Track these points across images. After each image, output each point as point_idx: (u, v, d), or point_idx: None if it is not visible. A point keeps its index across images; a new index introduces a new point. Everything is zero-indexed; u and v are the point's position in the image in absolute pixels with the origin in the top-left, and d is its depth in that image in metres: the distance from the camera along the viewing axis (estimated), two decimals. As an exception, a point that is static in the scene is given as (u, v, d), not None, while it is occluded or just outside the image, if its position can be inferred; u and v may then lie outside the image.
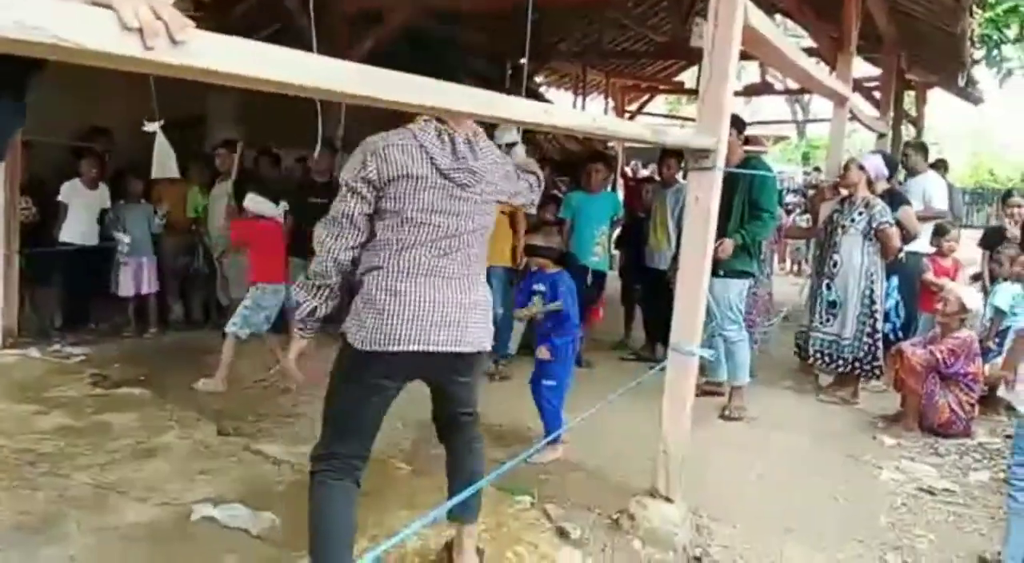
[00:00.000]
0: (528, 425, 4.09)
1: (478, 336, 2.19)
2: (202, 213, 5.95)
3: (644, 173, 10.90)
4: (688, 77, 13.13)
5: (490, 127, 2.58)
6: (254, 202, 4.66)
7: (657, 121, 14.02)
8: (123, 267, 5.73)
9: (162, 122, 4.75)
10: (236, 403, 4.29)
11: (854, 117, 5.71)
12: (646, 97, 13.61)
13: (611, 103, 12.27)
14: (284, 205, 4.91)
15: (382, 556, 2.38)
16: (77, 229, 5.61)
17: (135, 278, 5.76)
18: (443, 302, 2.10)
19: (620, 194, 7.98)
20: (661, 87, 13.22)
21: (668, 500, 2.92)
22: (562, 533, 2.86)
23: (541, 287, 3.74)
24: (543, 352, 3.72)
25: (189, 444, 3.60)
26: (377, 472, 3.25)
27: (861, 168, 4.79)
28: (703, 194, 2.63)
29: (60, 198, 5.56)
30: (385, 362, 2.06)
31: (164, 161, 4.87)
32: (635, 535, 2.88)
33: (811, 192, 10.31)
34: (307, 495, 2.50)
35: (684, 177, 7.74)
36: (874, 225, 4.71)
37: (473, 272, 2.21)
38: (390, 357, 2.04)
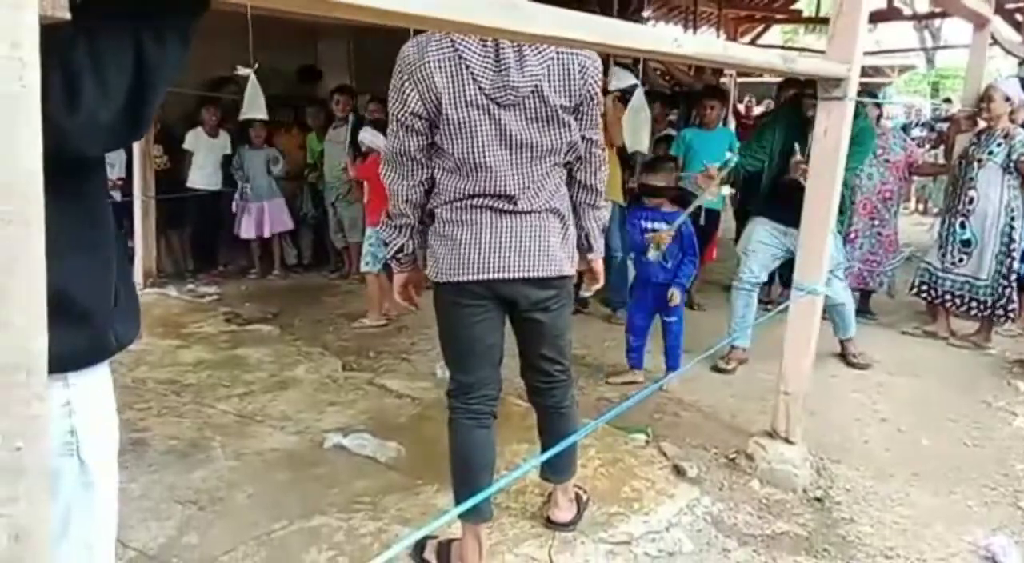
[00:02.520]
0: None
1: (555, 260, 2.05)
2: (318, 158, 6.12)
3: (758, 109, 10.45)
4: (805, 4, 12.38)
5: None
6: (370, 135, 4.77)
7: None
8: (245, 210, 5.99)
9: (256, 66, 4.88)
10: (357, 340, 4.47)
11: (995, 41, 5.26)
12: (760, 28, 12.94)
13: (723, 35, 11.74)
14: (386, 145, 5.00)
15: (505, 487, 2.47)
16: (202, 175, 5.91)
17: (257, 221, 6.02)
18: (512, 230, 2.00)
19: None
20: (778, 17, 12.51)
21: (788, 441, 2.87)
22: (679, 471, 2.87)
23: (657, 225, 3.66)
24: (675, 297, 3.66)
25: (317, 378, 3.80)
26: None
27: (1007, 99, 4.41)
28: (833, 126, 2.50)
29: (185, 146, 5.86)
30: (463, 290, 2.03)
31: (253, 102, 5.03)
32: (753, 475, 2.86)
33: (943, 125, 9.64)
34: (430, 427, 2.61)
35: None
36: (1015, 157, 4.36)
37: (544, 201, 2.04)
38: (466, 285, 2.01)
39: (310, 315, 4.90)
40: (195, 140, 5.89)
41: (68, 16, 0.70)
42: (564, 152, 2.05)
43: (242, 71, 4.85)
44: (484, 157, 1.95)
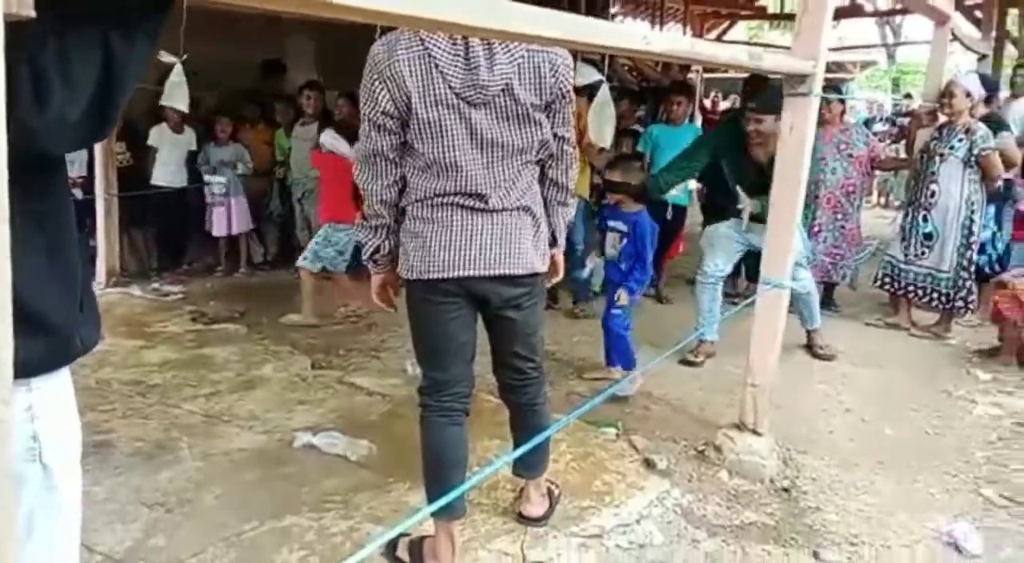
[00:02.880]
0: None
1: (527, 258, 2.05)
2: (286, 155, 6.06)
3: (724, 105, 10.56)
4: (770, 1, 12.51)
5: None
6: (331, 138, 4.73)
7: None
8: (216, 208, 5.91)
9: (184, 56, 4.80)
10: (326, 338, 4.44)
11: (955, 38, 5.37)
12: (726, 24, 13.08)
13: (689, 31, 11.84)
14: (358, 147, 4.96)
15: (478, 484, 2.47)
16: (166, 172, 5.82)
17: (227, 218, 5.94)
18: (484, 228, 2.00)
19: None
20: (743, 13, 12.64)
21: (755, 433, 2.92)
22: (649, 463, 2.90)
23: (621, 226, 3.67)
24: (622, 297, 3.66)
25: (286, 376, 3.76)
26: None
27: (968, 94, 4.51)
28: (798, 122, 2.53)
29: (150, 142, 5.77)
30: (433, 287, 2.02)
31: (174, 91, 4.96)
32: (722, 466, 2.90)
33: (904, 120, 9.82)
34: (401, 424, 2.60)
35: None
36: (975, 151, 4.47)
37: (516, 199, 2.03)
38: (438, 282, 2.01)
39: (277, 313, 4.85)
40: (159, 136, 5.80)
41: (33, 14, 0.68)
42: (536, 150, 2.05)
43: (166, 58, 4.74)
44: (455, 156, 1.94)
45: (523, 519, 2.42)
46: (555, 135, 2.07)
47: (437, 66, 1.88)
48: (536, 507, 2.42)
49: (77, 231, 1.13)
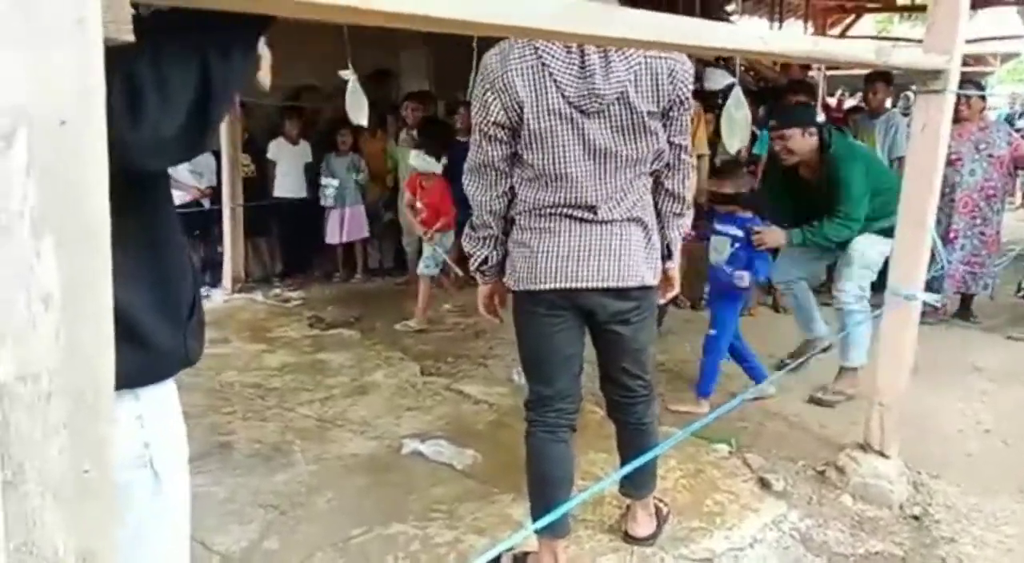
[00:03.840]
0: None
1: (636, 270, 1.98)
2: (396, 163, 6.19)
3: (851, 103, 10.04)
4: (901, -8, 11.84)
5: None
6: (418, 159, 4.83)
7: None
8: (330, 215, 6.11)
9: (354, 74, 4.96)
10: (435, 345, 4.49)
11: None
12: (851, 18, 12.45)
13: (811, 28, 11.35)
14: (444, 160, 5.03)
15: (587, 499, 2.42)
16: (286, 183, 6.08)
17: (340, 226, 6.14)
18: (592, 239, 1.94)
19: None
20: (869, 5, 12.02)
21: (883, 455, 2.72)
22: (764, 483, 2.76)
23: (732, 230, 3.47)
24: (744, 279, 3.38)
25: (396, 383, 3.83)
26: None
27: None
28: (931, 120, 2.35)
29: (269, 155, 6.04)
30: (539, 298, 1.99)
31: (357, 108, 5.09)
32: (844, 489, 2.73)
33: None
34: (507, 434, 2.58)
35: (893, 105, 7.06)
36: None
37: (626, 210, 1.96)
38: (544, 294, 1.97)
39: (390, 319, 4.96)
40: (277, 150, 6.06)
41: (132, 39, 0.70)
42: (650, 161, 1.98)
43: (345, 74, 4.93)
44: (565, 167, 1.90)
45: (629, 538, 2.35)
46: (672, 143, 2.00)
47: (551, 75, 1.84)
48: (643, 527, 2.35)
49: (184, 243, 1.16)
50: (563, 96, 1.85)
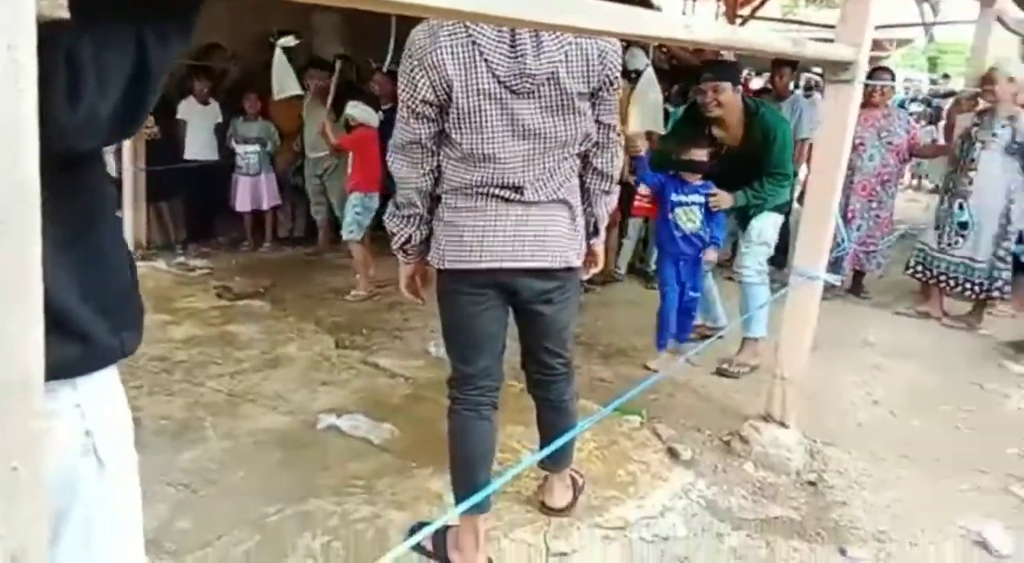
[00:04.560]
0: (634, 345, 4.09)
1: (561, 251, 2.00)
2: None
3: (757, 83, 10.36)
4: (805, -23, 12.22)
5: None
6: (359, 109, 4.73)
7: (771, 26, 13.18)
8: (239, 181, 5.91)
9: (293, 41, 4.77)
10: (349, 317, 4.44)
11: (999, 20, 5.21)
12: (759, 0, 12.79)
13: (721, 8, 11.60)
14: (380, 114, 4.96)
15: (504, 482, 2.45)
16: (196, 145, 5.83)
17: (252, 194, 5.95)
18: (517, 220, 1.95)
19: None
20: (775, -12, 12.35)
21: (782, 425, 2.88)
22: (673, 453, 2.87)
23: (698, 198, 3.62)
24: (710, 255, 3.67)
25: (309, 355, 3.77)
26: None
27: (1011, 79, 4.37)
28: (840, 109, 2.46)
29: (179, 116, 5.77)
30: (464, 278, 2.00)
31: (283, 80, 4.92)
32: (747, 458, 2.87)
33: (941, 101, 9.57)
34: (424, 407, 2.58)
35: (795, 87, 7.31)
36: (1020, 139, 4.34)
37: (552, 191, 1.97)
38: (468, 273, 1.98)
39: (301, 290, 4.87)
40: (188, 110, 5.80)
41: (67, 15, 0.66)
42: (579, 142, 1.99)
43: (284, 41, 4.74)
44: (493, 148, 1.90)
45: (546, 509, 2.41)
46: (601, 123, 2.02)
47: (482, 54, 1.82)
48: (560, 497, 2.41)
49: (120, 227, 1.11)
50: (493, 75, 1.83)
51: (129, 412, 1.17)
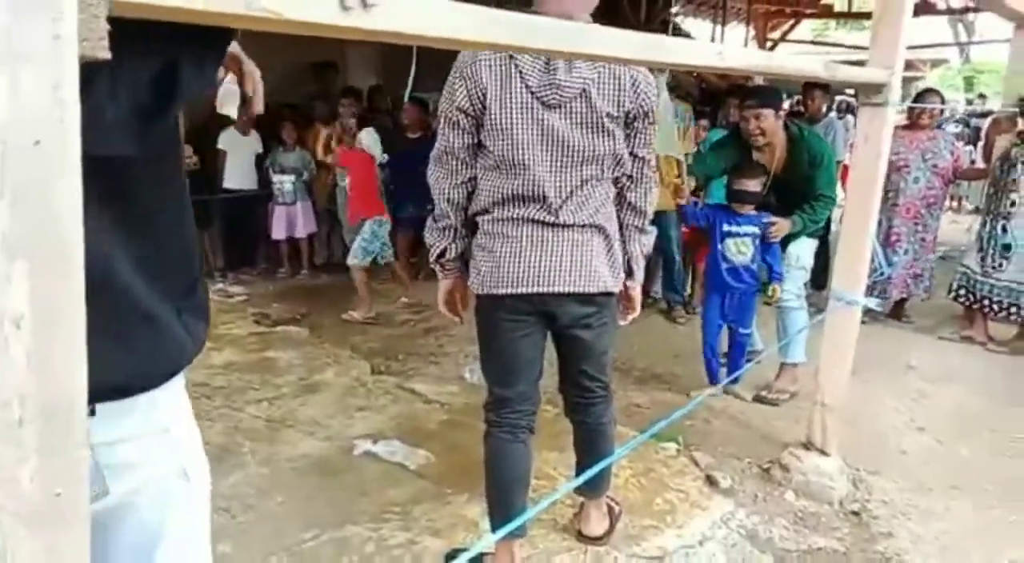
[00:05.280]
0: (670, 370, 4.05)
1: (599, 276, 2.01)
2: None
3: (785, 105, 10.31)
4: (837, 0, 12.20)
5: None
6: (369, 138, 4.84)
7: (802, 49, 13.16)
8: (276, 210, 6.01)
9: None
10: (385, 342, 4.47)
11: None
12: (790, 23, 12.78)
13: (751, 32, 11.61)
14: (385, 157, 5.05)
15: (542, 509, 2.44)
16: (236, 174, 5.95)
17: (288, 221, 6.05)
18: (555, 244, 1.97)
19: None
20: (808, 11, 12.35)
21: (824, 453, 2.82)
22: (711, 481, 2.83)
23: (751, 229, 3.57)
24: (777, 291, 3.62)
25: (346, 381, 3.80)
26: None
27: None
28: (874, 132, 2.43)
29: (220, 146, 5.90)
30: (503, 303, 2.01)
31: (227, 98, 5.07)
32: (788, 487, 2.81)
33: (978, 121, 9.41)
34: (460, 433, 2.57)
35: (829, 110, 7.26)
36: (1060, 159, 4.26)
37: (588, 216, 1.99)
38: (507, 298, 2.00)
39: (338, 316, 4.91)
40: (229, 140, 5.93)
41: (108, 56, 0.68)
42: (608, 163, 2.01)
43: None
44: (523, 156, 1.94)
45: (583, 538, 2.38)
46: (636, 156, 2.05)
47: (517, 67, 1.91)
48: (596, 526, 2.38)
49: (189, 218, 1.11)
50: (527, 86, 1.91)
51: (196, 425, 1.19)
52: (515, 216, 1.98)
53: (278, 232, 6.06)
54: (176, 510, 1.08)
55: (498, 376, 2.12)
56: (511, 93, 1.91)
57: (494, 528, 2.06)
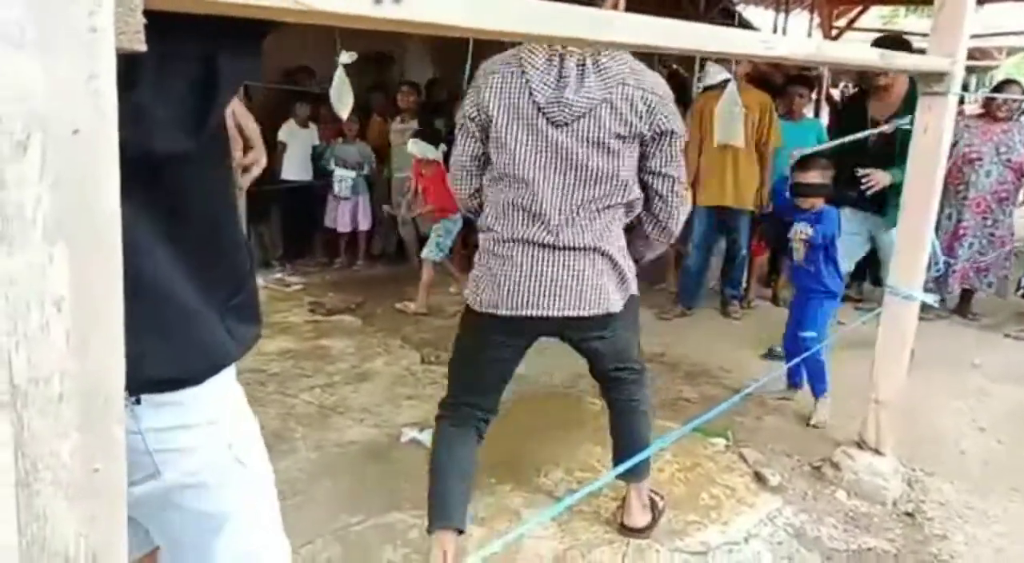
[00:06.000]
0: (721, 365, 4.00)
1: (602, 299, 2.00)
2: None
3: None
4: (907, -16, 11.77)
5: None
6: (415, 145, 4.87)
7: (870, 37, 12.75)
8: (341, 204, 6.10)
9: (354, 56, 4.94)
10: (435, 333, 4.51)
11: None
12: (857, 10, 12.38)
13: (816, 19, 11.29)
14: (443, 147, 5.05)
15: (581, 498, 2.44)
16: (293, 166, 6.07)
17: (351, 215, 6.14)
18: (554, 268, 1.96)
19: (825, 120, 7.39)
20: (875, -2, 11.94)
21: (878, 452, 2.75)
22: (759, 478, 2.79)
23: (806, 227, 3.35)
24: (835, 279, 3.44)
25: (396, 370, 3.85)
26: (572, 407, 3.34)
27: None
28: (934, 122, 2.35)
29: (280, 138, 6.02)
30: (500, 323, 2.01)
31: (341, 98, 5.09)
32: (839, 485, 2.75)
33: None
34: (502, 424, 2.59)
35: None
36: None
37: (591, 240, 1.97)
38: (504, 320, 2.00)
39: (391, 306, 4.98)
40: (289, 132, 6.03)
41: (144, 48, 0.70)
42: (614, 185, 1.97)
43: (343, 58, 4.92)
44: (524, 171, 1.95)
45: (625, 530, 2.38)
46: (659, 174, 2.03)
47: (527, 82, 1.92)
48: (639, 518, 2.37)
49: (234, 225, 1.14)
50: (533, 101, 1.92)
51: (251, 412, 1.23)
52: (516, 237, 1.98)
53: (342, 226, 6.15)
54: (236, 492, 1.13)
55: (466, 385, 2.16)
56: (518, 108, 1.93)
57: (430, 518, 2.07)
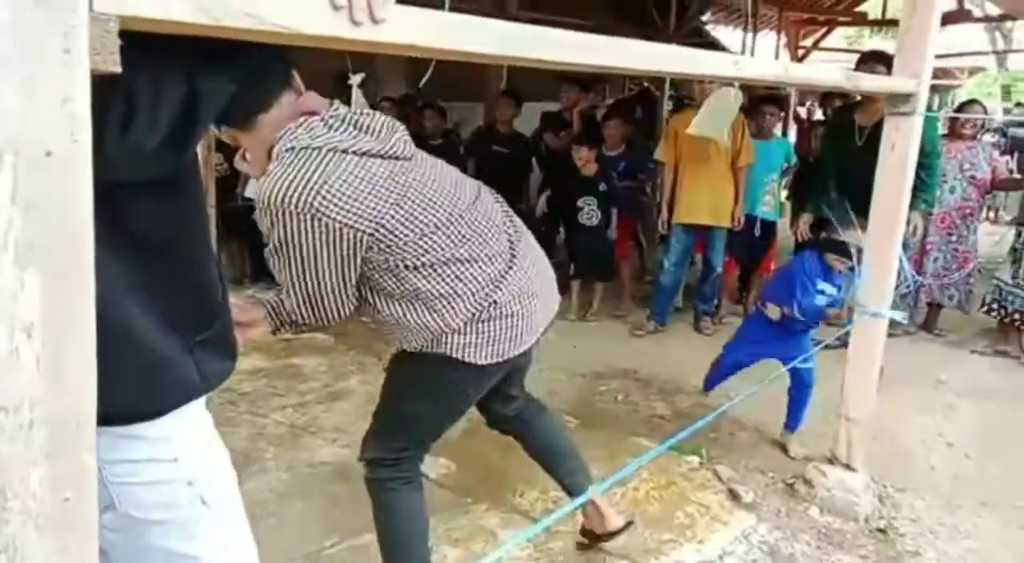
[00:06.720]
0: (694, 382, 4.01)
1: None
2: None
3: (818, 115, 10.20)
4: (871, 7, 12.06)
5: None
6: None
7: (834, 57, 13.03)
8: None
9: (363, 76, 4.94)
10: (409, 351, 4.48)
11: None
12: (823, 31, 12.65)
13: (783, 39, 11.51)
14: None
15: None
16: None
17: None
18: (535, 268, 1.91)
19: (792, 138, 7.53)
20: (840, 19, 12.22)
21: (849, 468, 2.77)
22: (734, 495, 2.80)
23: (833, 290, 3.20)
24: (773, 310, 3.25)
25: (369, 389, 3.80)
26: (546, 424, 3.33)
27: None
28: (901, 141, 2.40)
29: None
30: (497, 367, 1.85)
31: None
32: (812, 502, 2.77)
33: (1017, 130, 9.24)
34: (479, 443, 2.57)
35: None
36: (1098, 170, 4.16)
37: (516, 248, 1.88)
38: (508, 361, 1.85)
39: (364, 324, 4.93)
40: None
41: (119, 70, 0.69)
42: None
43: (353, 80, 4.91)
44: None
45: (608, 537, 2.29)
46: None
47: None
48: (615, 519, 2.29)
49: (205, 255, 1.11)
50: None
51: (225, 451, 1.19)
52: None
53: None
54: (204, 529, 1.10)
55: (421, 438, 2.00)
56: None
57: None
